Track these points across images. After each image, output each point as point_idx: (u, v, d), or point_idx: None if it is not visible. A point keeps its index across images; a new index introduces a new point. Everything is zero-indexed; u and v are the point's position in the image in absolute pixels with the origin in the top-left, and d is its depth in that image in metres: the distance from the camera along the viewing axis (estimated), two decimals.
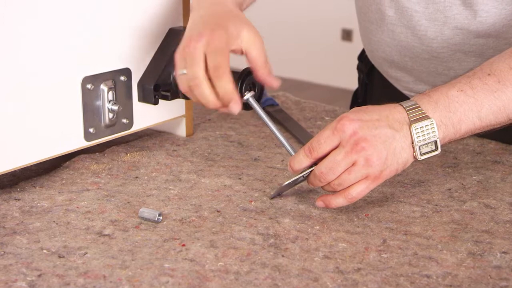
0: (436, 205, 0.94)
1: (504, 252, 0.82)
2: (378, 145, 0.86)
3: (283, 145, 0.95)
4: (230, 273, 0.77)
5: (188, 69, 0.91)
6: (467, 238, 0.85)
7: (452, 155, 1.10)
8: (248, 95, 0.96)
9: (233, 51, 0.93)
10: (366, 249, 0.82)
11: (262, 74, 0.93)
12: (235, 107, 0.90)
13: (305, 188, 0.97)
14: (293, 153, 0.93)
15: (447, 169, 1.05)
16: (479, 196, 0.96)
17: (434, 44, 1.13)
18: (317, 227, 0.87)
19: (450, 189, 0.98)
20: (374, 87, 1.35)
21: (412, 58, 1.17)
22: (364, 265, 0.79)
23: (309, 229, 0.87)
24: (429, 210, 0.92)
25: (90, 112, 1.02)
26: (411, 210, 0.92)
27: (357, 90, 1.42)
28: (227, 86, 0.89)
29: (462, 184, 1.00)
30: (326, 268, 0.78)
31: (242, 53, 0.93)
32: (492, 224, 0.89)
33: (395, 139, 0.87)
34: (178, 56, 0.94)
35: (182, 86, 0.94)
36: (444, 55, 1.13)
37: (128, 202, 0.93)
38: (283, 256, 0.81)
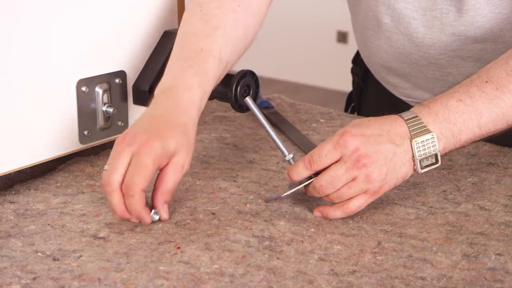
0: (431, 207, 0.94)
1: (498, 254, 0.82)
2: (379, 161, 0.86)
3: (278, 148, 0.95)
4: (225, 276, 0.77)
5: (108, 169, 0.86)
6: (461, 240, 0.85)
7: (447, 157, 1.10)
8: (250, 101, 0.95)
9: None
10: (361, 251, 0.83)
11: (158, 196, 0.87)
12: (145, 223, 0.86)
13: (300, 191, 0.97)
14: (286, 154, 0.93)
15: (442, 171, 1.05)
16: (474, 198, 0.96)
17: (432, 51, 1.12)
18: (312, 230, 0.87)
19: (445, 191, 0.98)
20: (368, 91, 1.36)
21: (409, 65, 1.17)
22: (359, 267, 0.79)
23: (304, 232, 0.87)
24: (424, 212, 0.92)
25: (85, 114, 1.02)
26: (406, 212, 0.92)
27: (351, 93, 1.42)
28: (137, 207, 0.85)
29: (457, 186, 1.00)
30: (321, 271, 0.78)
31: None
32: (486, 226, 0.89)
33: (396, 155, 0.87)
34: (114, 146, 0.88)
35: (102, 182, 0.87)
36: (442, 62, 1.13)
37: None
38: (278, 258, 0.81)
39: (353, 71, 1.40)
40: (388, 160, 0.87)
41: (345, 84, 2.24)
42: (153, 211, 0.87)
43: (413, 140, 0.87)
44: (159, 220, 0.88)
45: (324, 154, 0.87)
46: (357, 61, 1.37)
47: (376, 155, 0.86)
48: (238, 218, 0.90)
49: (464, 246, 0.84)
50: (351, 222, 0.89)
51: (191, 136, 0.90)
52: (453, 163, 1.08)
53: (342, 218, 0.90)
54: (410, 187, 0.99)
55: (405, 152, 0.88)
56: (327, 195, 0.88)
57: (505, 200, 0.96)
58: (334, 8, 4.67)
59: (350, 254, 0.82)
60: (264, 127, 0.95)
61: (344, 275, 0.77)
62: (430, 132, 0.88)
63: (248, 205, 0.94)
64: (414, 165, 0.88)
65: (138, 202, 0.85)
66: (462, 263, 0.80)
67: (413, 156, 0.88)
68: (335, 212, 0.89)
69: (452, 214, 0.92)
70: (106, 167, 0.87)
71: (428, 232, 0.87)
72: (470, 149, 1.13)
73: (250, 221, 0.89)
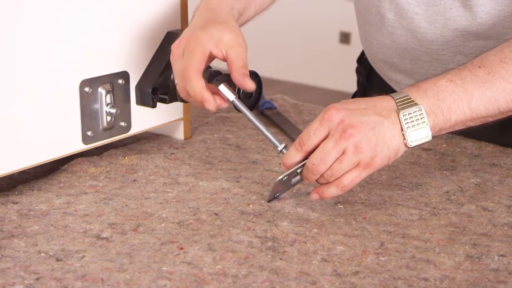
0: (434, 208, 0.94)
1: (501, 255, 0.82)
2: (366, 132, 0.86)
3: (268, 139, 0.95)
4: (228, 276, 0.77)
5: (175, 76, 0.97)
6: (465, 241, 0.85)
7: (450, 158, 1.10)
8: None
9: (215, 56, 0.95)
10: (364, 252, 0.83)
11: (236, 75, 0.93)
12: (209, 106, 0.94)
13: (303, 191, 0.97)
14: (277, 144, 0.93)
15: (445, 172, 1.05)
16: (477, 199, 0.96)
17: (434, 46, 1.13)
18: (315, 230, 0.87)
19: (448, 192, 0.98)
20: (373, 90, 1.36)
21: (412, 61, 1.17)
22: (362, 268, 0.79)
23: (307, 232, 0.87)
24: (427, 213, 0.92)
25: (88, 115, 1.02)
26: (409, 213, 0.92)
27: (355, 93, 1.42)
28: (195, 87, 0.93)
29: (460, 187, 1.00)
30: (324, 271, 0.78)
31: (224, 59, 0.95)
32: (489, 227, 0.89)
33: (383, 126, 0.87)
34: (171, 61, 0.98)
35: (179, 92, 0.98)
36: (444, 57, 1.14)
37: (126, 205, 0.93)
38: (281, 259, 0.81)
39: (357, 71, 1.40)
40: (376, 130, 0.87)
41: (348, 84, 2.24)
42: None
43: (400, 113, 0.87)
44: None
45: (312, 132, 0.88)
46: (362, 60, 1.37)
47: (362, 125, 0.86)
48: (241, 219, 0.90)
49: (467, 247, 0.84)
50: (354, 223, 0.89)
51: (233, 24, 0.98)
52: (456, 164, 1.08)
53: (345, 219, 0.90)
54: (413, 188, 0.99)
55: (393, 124, 0.87)
56: (322, 175, 0.88)
57: (508, 201, 0.96)
58: (336, 9, 4.67)
59: (353, 255, 0.82)
60: (249, 119, 0.95)
61: (347, 276, 0.77)
62: (418, 105, 0.88)
63: (251, 205, 0.94)
64: (404, 139, 0.88)
65: (196, 84, 0.92)
66: (465, 264, 0.80)
67: (402, 130, 0.88)
68: (330, 189, 0.89)
69: (455, 215, 0.92)
70: (174, 78, 0.98)
71: (431, 233, 0.87)
72: (473, 150, 1.13)
73: (253, 222, 0.89)
